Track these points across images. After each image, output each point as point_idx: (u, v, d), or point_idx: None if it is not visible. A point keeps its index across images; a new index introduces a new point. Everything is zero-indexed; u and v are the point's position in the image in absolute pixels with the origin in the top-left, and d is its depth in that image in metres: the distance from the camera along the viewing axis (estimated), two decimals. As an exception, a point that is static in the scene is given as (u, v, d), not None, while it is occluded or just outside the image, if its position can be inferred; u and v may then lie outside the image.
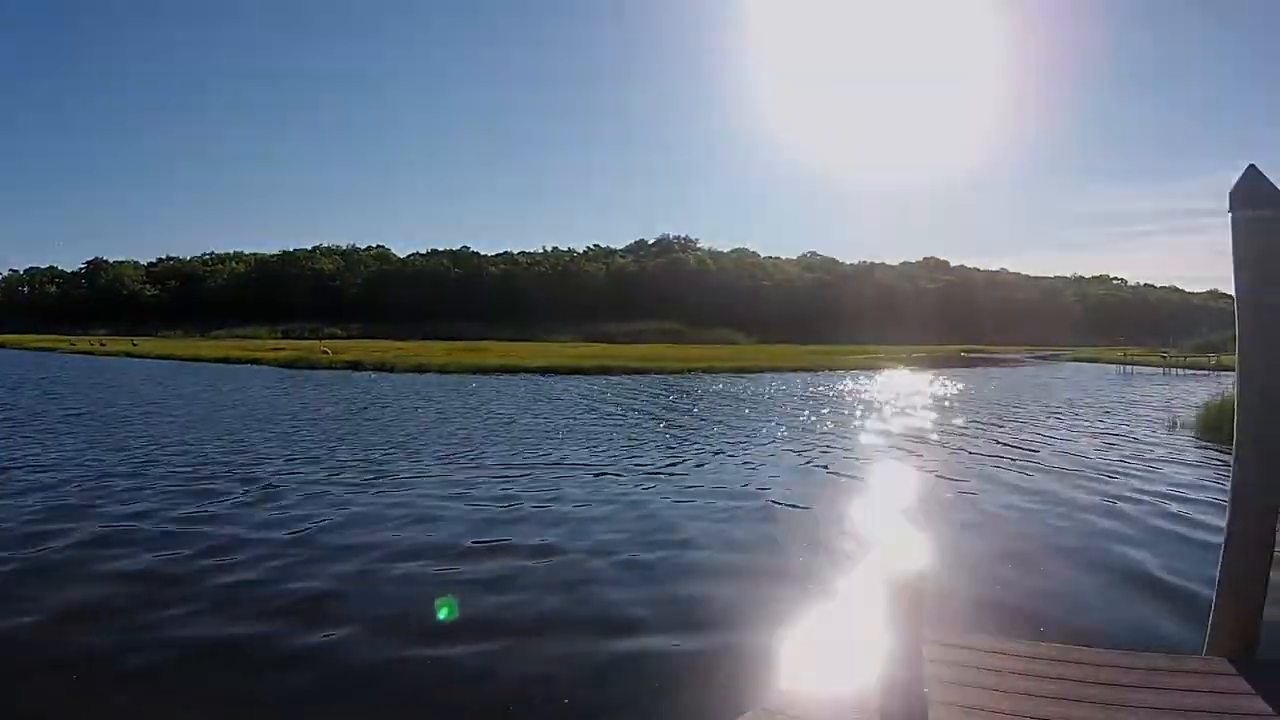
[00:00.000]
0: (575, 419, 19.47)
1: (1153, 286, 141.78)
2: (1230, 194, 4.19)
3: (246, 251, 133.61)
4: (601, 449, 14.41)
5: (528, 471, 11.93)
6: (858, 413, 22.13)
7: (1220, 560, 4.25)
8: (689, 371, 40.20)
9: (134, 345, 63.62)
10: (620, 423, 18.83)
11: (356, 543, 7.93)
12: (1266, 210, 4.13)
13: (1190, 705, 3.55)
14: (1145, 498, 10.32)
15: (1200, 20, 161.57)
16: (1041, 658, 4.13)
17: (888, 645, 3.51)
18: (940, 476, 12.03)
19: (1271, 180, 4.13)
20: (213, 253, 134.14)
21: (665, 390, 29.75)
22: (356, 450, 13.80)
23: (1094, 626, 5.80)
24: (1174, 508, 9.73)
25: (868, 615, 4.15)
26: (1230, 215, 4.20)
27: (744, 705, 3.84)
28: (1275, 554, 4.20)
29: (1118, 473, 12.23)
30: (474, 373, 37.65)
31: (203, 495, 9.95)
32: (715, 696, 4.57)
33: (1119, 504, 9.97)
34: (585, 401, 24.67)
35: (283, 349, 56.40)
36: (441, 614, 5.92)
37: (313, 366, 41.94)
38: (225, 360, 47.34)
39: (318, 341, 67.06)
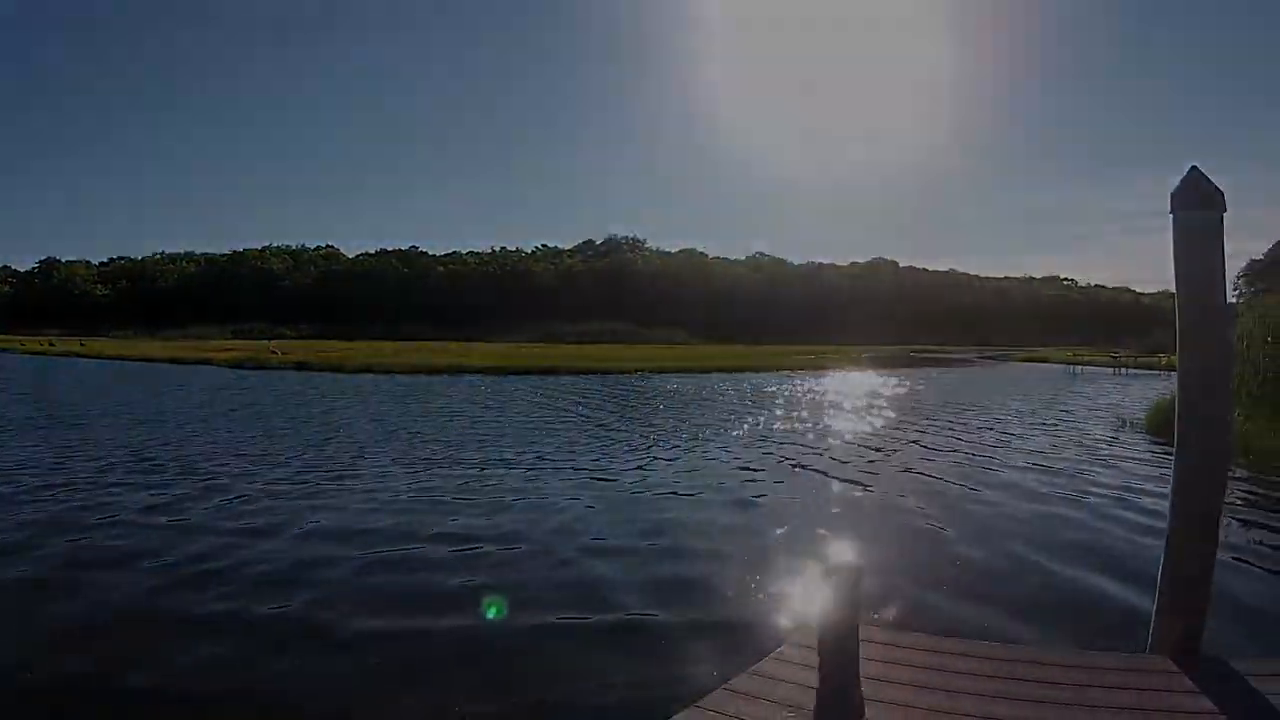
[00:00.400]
0: (528, 418, 19.34)
1: (1104, 287, 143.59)
2: (1172, 195, 4.20)
3: (197, 251, 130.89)
4: (563, 447, 14.29)
5: (494, 469, 11.95)
6: (809, 412, 22.24)
7: (1163, 559, 4.26)
8: (637, 372, 40.03)
9: (81, 345, 62.11)
10: (576, 421, 18.61)
11: (344, 535, 8.03)
12: (1207, 211, 4.16)
13: (1133, 703, 3.55)
14: (1104, 491, 10.53)
15: (1150, 22, 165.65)
16: (984, 656, 4.11)
17: (826, 631, 3.48)
18: (898, 470, 12.21)
19: (1214, 182, 4.15)
20: (164, 252, 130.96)
21: (618, 391, 29.60)
22: (316, 451, 13.55)
23: (1046, 610, 5.93)
24: (1126, 499, 9.94)
25: (812, 600, 4.13)
26: (1172, 216, 4.22)
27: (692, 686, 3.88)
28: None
29: (1071, 470, 12.34)
30: (424, 373, 37.13)
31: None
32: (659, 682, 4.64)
33: (1074, 497, 10.17)
34: (543, 400, 24.51)
35: (232, 349, 55.09)
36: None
37: (261, 367, 40.98)
38: (175, 361, 45.96)
39: (267, 342, 65.67)
